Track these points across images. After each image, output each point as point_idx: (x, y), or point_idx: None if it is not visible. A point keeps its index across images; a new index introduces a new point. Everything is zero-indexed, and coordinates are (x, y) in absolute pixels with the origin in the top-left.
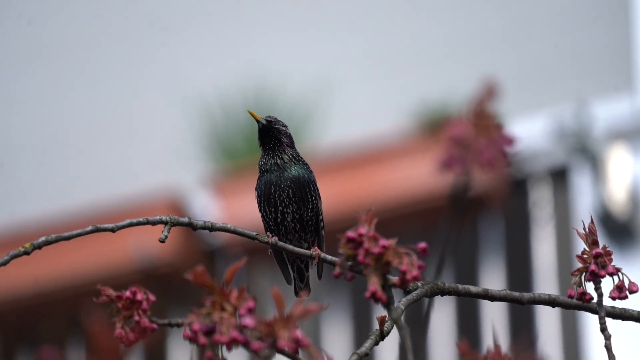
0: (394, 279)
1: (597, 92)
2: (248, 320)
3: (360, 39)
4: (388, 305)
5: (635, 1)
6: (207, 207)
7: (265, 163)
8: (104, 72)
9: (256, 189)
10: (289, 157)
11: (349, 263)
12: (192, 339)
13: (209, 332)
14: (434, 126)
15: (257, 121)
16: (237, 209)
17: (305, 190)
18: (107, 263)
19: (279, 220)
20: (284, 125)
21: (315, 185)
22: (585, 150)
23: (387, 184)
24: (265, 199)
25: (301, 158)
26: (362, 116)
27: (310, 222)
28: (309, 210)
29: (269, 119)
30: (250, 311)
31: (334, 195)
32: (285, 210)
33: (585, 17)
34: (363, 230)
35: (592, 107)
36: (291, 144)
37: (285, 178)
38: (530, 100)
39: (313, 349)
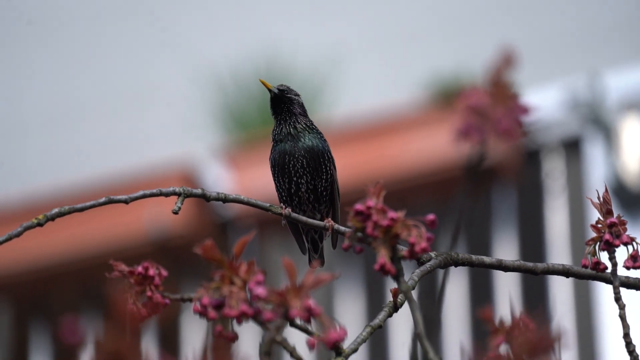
0: (403, 251)
1: (610, 63)
2: (260, 290)
3: (373, 10)
4: (397, 277)
5: None
6: (219, 179)
7: (278, 132)
8: (116, 44)
9: (270, 158)
10: (302, 126)
11: (358, 235)
12: (202, 313)
13: (219, 306)
14: (447, 97)
15: (269, 90)
16: (250, 181)
17: (319, 160)
18: (120, 234)
19: (292, 190)
20: (297, 94)
21: (330, 154)
22: (598, 121)
23: (400, 155)
24: (280, 169)
25: (315, 127)
26: (374, 87)
27: (324, 193)
28: (323, 181)
29: (281, 87)
30: (259, 284)
31: (347, 166)
32: (299, 180)
33: None
34: (371, 202)
35: (605, 77)
36: (304, 113)
37: (300, 147)
38: (543, 70)
39: (325, 318)
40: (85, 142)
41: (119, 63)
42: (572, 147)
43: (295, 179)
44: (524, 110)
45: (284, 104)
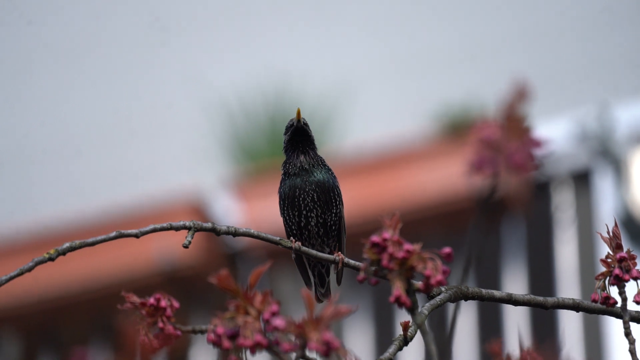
0: (418, 283)
1: (619, 95)
2: (278, 322)
3: (382, 41)
4: (412, 310)
5: None
6: (228, 210)
7: (292, 165)
8: (126, 74)
9: (280, 191)
10: (314, 161)
11: (373, 268)
12: (216, 343)
13: (233, 336)
14: (457, 129)
15: (298, 120)
16: (259, 211)
17: (329, 195)
18: (130, 266)
19: (302, 224)
20: (310, 130)
21: (339, 190)
22: (608, 153)
23: (409, 187)
24: (290, 202)
25: (325, 163)
26: (383, 118)
27: (333, 227)
28: (333, 215)
29: (305, 121)
30: (274, 315)
31: (356, 197)
32: (309, 214)
33: (608, 18)
34: (387, 234)
35: (615, 109)
36: (315, 149)
37: (311, 182)
38: (553, 103)
39: (343, 351)
40: (94, 172)
41: (129, 93)
42: (582, 180)
43: (305, 212)
44: (537, 143)
45: (302, 138)
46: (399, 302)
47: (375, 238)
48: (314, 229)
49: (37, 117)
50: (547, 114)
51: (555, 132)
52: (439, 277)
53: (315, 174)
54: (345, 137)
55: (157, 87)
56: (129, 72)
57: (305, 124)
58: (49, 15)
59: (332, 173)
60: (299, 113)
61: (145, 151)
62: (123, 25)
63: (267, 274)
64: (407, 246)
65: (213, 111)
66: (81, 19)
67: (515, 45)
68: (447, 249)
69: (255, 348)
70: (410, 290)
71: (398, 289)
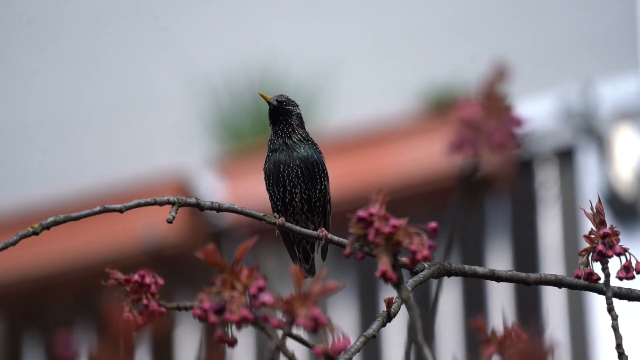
0: (404, 258)
1: (603, 72)
2: (267, 297)
3: (366, 20)
4: (398, 285)
5: None
6: (213, 189)
7: (274, 142)
8: (110, 54)
9: (264, 168)
10: (298, 137)
11: (359, 243)
12: (202, 318)
13: (220, 310)
14: (441, 107)
15: (268, 102)
16: (244, 191)
17: (314, 171)
18: (114, 244)
19: (287, 200)
20: (295, 105)
21: (324, 166)
22: (592, 131)
23: (394, 164)
24: (274, 178)
25: (310, 138)
26: (368, 97)
27: (318, 203)
28: (317, 191)
29: (279, 99)
30: (261, 290)
31: (341, 176)
32: (293, 190)
33: None
34: (374, 209)
35: (598, 87)
36: (301, 125)
37: (294, 157)
38: (536, 80)
39: (331, 327)
40: (80, 151)
41: (113, 72)
42: (565, 157)
43: (289, 187)
44: (517, 122)
45: (282, 116)
46: (385, 277)
47: (361, 213)
48: (298, 204)
49: (23, 96)
50: (531, 91)
51: (539, 109)
52: (425, 252)
53: (299, 150)
54: (330, 117)
55: (142, 67)
56: (113, 53)
57: (281, 102)
58: None
59: (318, 148)
60: (263, 96)
61: (129, 131)
62: (108, 4)
63: (251, 252)
64: (394, 221)
65: (198, 91)
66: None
67: (499, 22)
68: (433, 224)
69: (241, 323)
70: (396, 265)
71: (384, 264)
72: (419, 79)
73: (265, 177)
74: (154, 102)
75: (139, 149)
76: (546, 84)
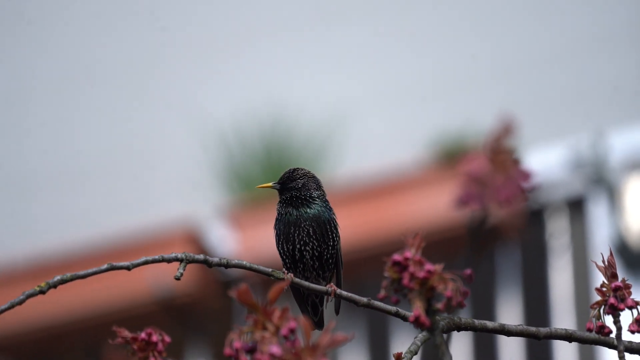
0: (439, 304)
1: (613, 123)
2: (275, 349)
3: (377, 70)
4: (432, 330)
5: None
6: (223, 239)
7: (284, 209)
8: (120, 102)
9: (275, 227)
10: (308, 200)
11: (394, 287)
12: (234, 357)
13: (251, 350)
14: (452, 157)
15: (271, 187)
16: (254, 240)
17: (325, 228)
18: (124, 294)
19: (297, 257)
20: (304, 175)
21: (336, 223)
22: (602, 181)
23: (405, 214)
24: (284, 237)
25: (322, 197)
26: (378, 147)
27: (330, 260)
28: (330, 248)
29: (282, 178)
30: (292, 331)
31: (351, 225)
32: (304, 248)
33: (601, 46)
34: (409, 253)
35: (609, 137)
36: (314, 188)
37: (305, 218)
38: (547, 130)
39: None
40: (89, 201)
41: (123, 121)
42: (576, 207)
43: (299, 246)
44: (525, 176)
45: (291, 191)
46: (418, 321)
47: (397, 257)
48: (309, 262)
49: (32, 145)
50: (542, 141)
51: (549, 159)
52: (460, 298)
53: (310, 209)
54: (340, 166)
55: (153, 116)
56: (124, 101)
57: (284, 182)
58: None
59: (329, 206)
60: (263, 186)
61: (140, 180)
62: (120, 52)
63: (262, 301)
64: (429, 266)
65: (209, 140)
66: (67, 55)
67: (510, 72)
68: (468, 271)
69: None
70: (430, 310)
71: (418, 308)
72: (429, 128)
73: (275, 236)
74: (165, 151)
75: (150, 198)
76: (557, 134)
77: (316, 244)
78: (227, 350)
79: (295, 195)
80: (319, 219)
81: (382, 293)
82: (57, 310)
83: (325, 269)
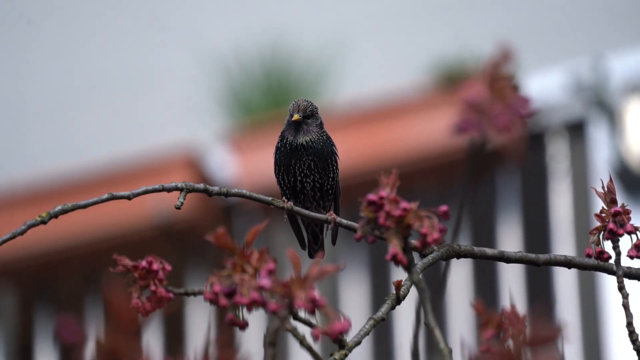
0: (415, 241)
1: (614, 46)
2: (265, 282)
3: None
4: (409, 267)
5: None
6: (224, 163)
7: (286, 137)
8: (119, 27)
9: (275, 157)
10: (313, 133)
11: (370, 226)
12: (213, 301)
13: (230, 293)
14: (451, 81)
15: (295, 120)
16: (255, 165)
17: (327, 161)
18: (125, 219)
19: (298, 189)
20: (316, 110)
21: (336, 156)
22: (602, 104)
23: (404, 138)
24: (285, 169)
25: (325, 133)
26: (378, 71)
27: (330, 191)
28: (330, 179)
29: (306, 112)
30: (271, 273)
31: (351, 150)
32: (305, 180)
33: None
34: (384, 193)
35: (609, 59)
36: (319, 126)
37: (310, 152)
38: (547, 53)
39: (329, 310)
40: (90, 126)
41: (122, 46)
42: (576, 130)
43: (300, 178)
44: (524, 103)
45: (302, 125)
46: (395, 259)
47: (372, 196)
48: (310, 192)
49: (30, 70)
50: (542, 64)
51: (549, 82)
52: (436, 235)
53: (313, 144)
54: (340, 91)
55: (153, 42)
56: (124, 28)
57: (307, 116)
58: None
59: (330, 140)
60: (298, 110)
61: (140, 105)
62: None
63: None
64: (404, 204)
65: (209, 65)
66: None
67: None
68: (443, 207)
69: (251, 306)
70: (407, 248)
71: (395, 246)
72: (428, 53)
73: (275, 166)
74: (165, 77)
75: (150, 123)
76: (557, 57)
77: (317, 176)
78: (207, 294)
79: (304, 127)
80: (321, 153)
81: (359, 233)
82: (56, 236)
83: (326, 198)
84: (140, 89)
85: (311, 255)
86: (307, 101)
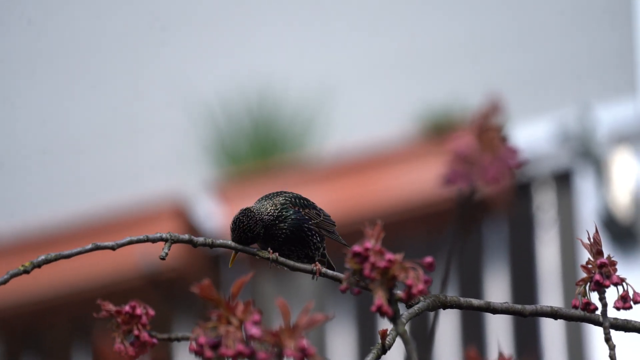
0: (400, 293)
1: (600, 96)
2: (254, 330)
3: (363, 42)
4: (394, 319)
5: (638, 4)
6: (211, 213)
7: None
8: (105, 75)
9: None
10: (271, 220)
11: (355, 278)
12: (198, 353)
13: (215, 345)
14: (438, 130)
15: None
16: None
17: (303, 240)
18: (112, 269)
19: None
20: (248, 214)
21: (308, 222)
22: (589, 154)
23: (391, 188)
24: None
25: (285, 204)
26: (365, 120)
27: (316, 252)
28: (312, 245)
29: (233, 237)
30: (256, 324)
31: (337, 200)
32: (290, 255)
33: (587, 20)
34: (369, 244)
35: (596, 110)
36: (266, 208)
37: (280, 234)
38: (534, 103)
39: (318, 358)
40: (75, 173)
41: (109, 94)
42: (563, 180)
43: (284, 256)
44: (513, 154)
45: (251, 233)
46: (380, 311)
47: (356, 248)
48: (296, 259)
49: (16, 119)
50: (529, 114)
51: (536, 132)
52: (421, 286)
53: (281, 224)
54: (327, 140)
55: (140, 90)
56: (109, 74)
57: (238, 237)
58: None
59: (291, 212)
60: (232, 260)
61: (126, 155)
62: (103, 26)
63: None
64: (389, 256)
65: (196, 114)
66: (53, 23)
67: (497, 46)
68: (428, 259)
69: (237, 357)
70: (392, 300)
71: (380, 298)
72: (415, 102)
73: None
74: (151, 126)
75: (136, 172)
76: (544, 107)
77: (300, 251)
78: (192, 347)
79: (268, 230)
80: (295, 239)
81: (344, 285)
82: (42, 286)
83: (315, 255)
84: (126, 139)
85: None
86: (236, 222)
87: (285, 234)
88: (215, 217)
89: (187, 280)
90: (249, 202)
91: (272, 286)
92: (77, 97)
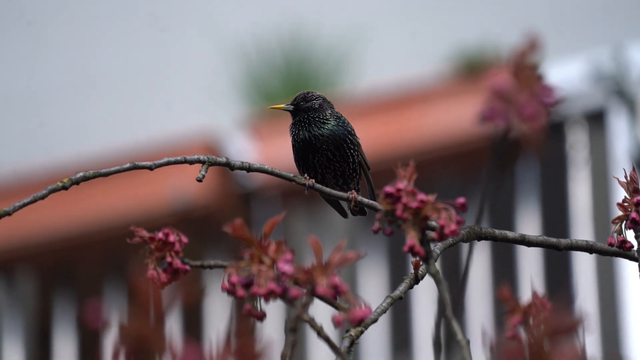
0: (432, 233)
1: (634, 35)
2: (286, 268)
3: None
4: (426, 259)
5: None
6: (243, 150)
7: (296, 134)
8: (141, 15)
9: (293, 154)
10: (321, 121)
11: (388, 218)
12: (230, 292)
13: (248, 284)
14: (471, 70)
15: (284, 109)
16: (274, 151)
17: (343, 147)
18: (143, 205)
19: (319, 179)
20: (316, 98)
21: (352, 135)
22: (622, 93)
23: (424, 127)
24: (304, 164)
25: (335, 114)
26: (398, 60)
27: (353, 174)
28: (350, 163)
29: (295, 100)
30: (287, 263)
31: (370, 138)
32: (325, 171)
33: None
34: (401, 185)
35: (630, 50)
36: (326, 108)
37: (321, 141)
38: (567, 43)
39: (350, 295)
40: (110, 112)
41: (144, 33)
42: (596, 119)
43: (320, 170)
44: (549, 93)
45: (301, 113)
46: (412, 251)
47: (389, 188)
48: (332, 180)
49: (56, 58)
50: (563, 54)
51: (570, 72)
52: (453, 227)
53: (324, 129)
54: (359, 79)
55: (174, 30)
56: (145, 14)
57: (297, 104)
58: None
59: (342, 121)
60: (276, 107)
61: (160, 92)
62: None
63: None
64: (421, 196)
65: (229, 53)
66: None
67: None
68: (461, 199)
69: (269, 296)
70: (424, 240)
71: (412, 238)
72: (449, 42)
73: (294, 161)
74: (185, 64)
75: (170, 109)
76: (578, 47)
77: (337, 165)
78: (224, 285)
79: (310, 117)
80: (335, 139)
81: (376, 225)
82: (75, 221)
83: (350, 182)
84: (160, 77)
85: (354, 213)
86: (307, 91)
87: (326, 137)
88: (247, 154)
89: (218, 218)
90: (281, 139)
91: (304, 224)
92: (113, 37)
